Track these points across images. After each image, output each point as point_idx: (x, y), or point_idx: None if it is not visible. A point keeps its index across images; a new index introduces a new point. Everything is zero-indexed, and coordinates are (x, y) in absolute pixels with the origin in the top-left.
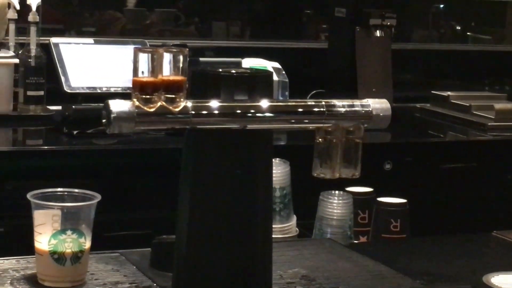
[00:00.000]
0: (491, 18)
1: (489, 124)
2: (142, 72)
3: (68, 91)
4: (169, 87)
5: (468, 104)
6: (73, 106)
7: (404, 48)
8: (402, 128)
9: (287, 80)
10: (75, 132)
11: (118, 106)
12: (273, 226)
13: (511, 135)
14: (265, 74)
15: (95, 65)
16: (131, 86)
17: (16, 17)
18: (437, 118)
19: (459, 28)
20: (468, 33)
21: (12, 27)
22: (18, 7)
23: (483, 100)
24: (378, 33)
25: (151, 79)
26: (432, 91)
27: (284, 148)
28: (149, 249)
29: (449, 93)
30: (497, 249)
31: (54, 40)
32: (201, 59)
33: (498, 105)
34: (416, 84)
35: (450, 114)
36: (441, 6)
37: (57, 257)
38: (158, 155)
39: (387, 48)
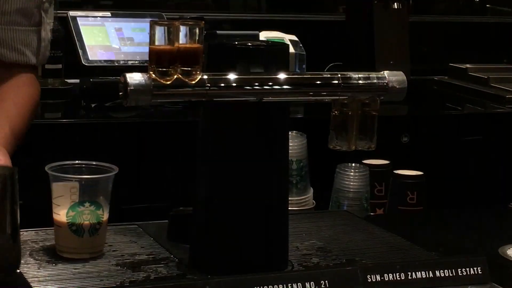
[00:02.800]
0: None
1: (507, 96)
2: None
3: (86, 64)
4: (185, 57)
5: (486, 77)
6: (91, 80)
7: (422, 20)
8: (419, 100)
9: (304, 53)
10: (93, 105)
11: (135, 79)
12: (290, 198)
13: None
14: (282, 47)
15: (112, 38)
16: (147, 59)
17: None
18: (455, 91)
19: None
20: (487, 5)
21: None
22: None
23: (501, 72)
24: (396, 5)
25: (168, 47)
26: (450, 64)
27: (301, 120)
28: (166, 221)
29: (467, 65)
30: None
31: (71, 13)
32: (218, 32)
33: None
34: (434, 56)
35: (468, 87)
36: None
37: (75, 228)
38: (174, 128)
39: (405, 20)
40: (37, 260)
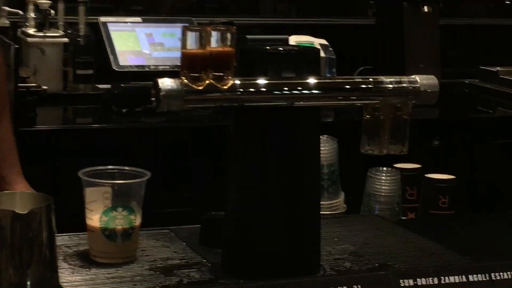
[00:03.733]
0: None
1: None
2: None
3: (117, 69)
4: (217, 62)
5: None
6: (122, 85)
7: (452, 23)
8: (450, 104)
9: (334, 57)
10: (124, 110)
11: (167, 84)
12: (321, 202)
13: None
14: (312, 51)
15: (143, 43)
16: (179, 64)
17: None
18: (486, 94)
19: (508, 2)
20: None
21: (61, 6)
22: None
23: None
24: (426, 8)
25: (200, 50)
26: (481, 67)
27: (332, 124)
28: (198, 225)
29: (498, 68)
30: None
31: (102, 19)
32: (248, 36)
33: None
34: (464, 59)
35: (499, 90)
36: None
37: (108, 233)
38: (206, 132)
39: (435, 23)
40: (70, 265)
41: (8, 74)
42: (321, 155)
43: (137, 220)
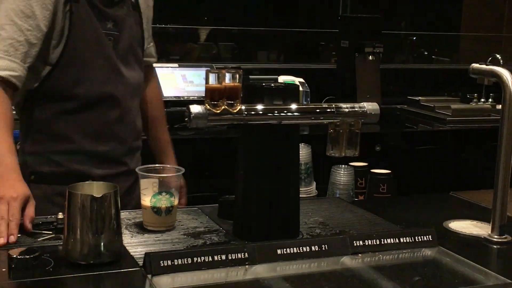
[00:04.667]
0: (448, 46)
1: (447, 119)
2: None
3: (163, 99)
4: (230, 94)
5: (432, 105)
6: (165, 109)
7: (388, 67)
8: (387, 122)
9: (308, 90)
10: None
11: (195, 108)
12: (300, 189)
13: (464, 126)
14: (293, 87)
15: (179, 81)
16: (203, 95)
17: None
18: (411, 115)
19: (427, 53)
20: (433, 56)
21: None
22: None
23: (443, 102)
24: (370, 57)
25: (217, 86)
26: (408, 97)
27: (307, 136)
28: (217, 205)
29: (419, 97)
30: (452, 205)
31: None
32: (250, 76)
33: (454, 105)
34: (397, 92)
35: (421, 112)
36: (414, 38)
37: (156, 210)
38: (222, 141)
39: (377, 67)
40: (130, 231)
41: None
42: (300, 156)
43: (175, 201)
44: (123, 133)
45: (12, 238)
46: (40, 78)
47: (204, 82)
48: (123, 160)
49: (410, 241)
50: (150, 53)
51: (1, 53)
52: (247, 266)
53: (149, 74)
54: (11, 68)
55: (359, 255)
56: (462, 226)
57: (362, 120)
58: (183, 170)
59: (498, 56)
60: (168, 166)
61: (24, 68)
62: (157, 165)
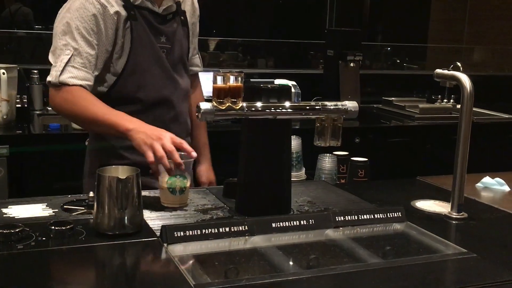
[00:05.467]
0: (417, 56)
1: (416, 116)
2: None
3: None
4: (233, 93)
5: (403, 105)
6: None
7: (367, 72)
8: (365, 118)
9: (299, 91)
10: None
11: (205, 106)
12: (292, 173)
13: (429, 122)
14: (287, 88)
15: None
16: (211, 94)
17: None
18: (385, 113)
19: (399, 61)
20: (404, 64)
21: None
22: None
23: (412, 102)
24: (352, 64)
25: (223, 85)
26: (383, 97)
27: (298, 129)
28: (222, 186)
29: (393, 98)
30: (419, 187)
31: None
32: (251, 79)
33: (421, 105)
34: (374, 93)
35: (393, 110)
36: (388, 48)
37: (171, 190)
38: (227, 133)
39: (357, 72)
40: (149, 208)
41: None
42: (291, 146)
43: (188, 183)
44: (177, 131)
45: (182, 167)
46: (108, 85)
47: (212, 83)
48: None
49: (383, 217)
50: (196, 63)
51: (80, 65)
52: (247, 237)
53: (195, 82)
54: (87, 78)
55: (340, 228)
56: (427, 205)
57: (344, 116)
58: (195, 155)
59: (458, 64)
60: (182, 153)
61: (93, 77)
62: None
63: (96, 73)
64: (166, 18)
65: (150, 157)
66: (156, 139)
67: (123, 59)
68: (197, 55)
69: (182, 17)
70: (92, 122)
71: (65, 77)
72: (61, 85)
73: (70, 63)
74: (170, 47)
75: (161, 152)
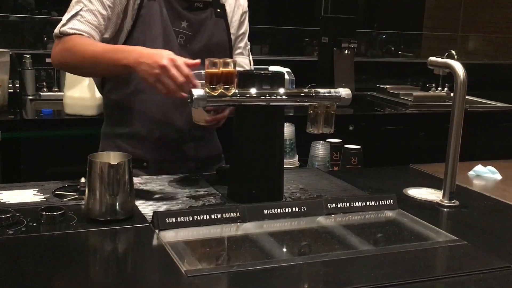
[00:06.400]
0: (412, 43)
1: (410, 104)
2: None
3: None
4: (225, 78)
5: (397, 92)
6: None
7: (361, 60)
8: (359, 106)
9: (294, 78)
10: None
11: (197, 92)
12: (285, 160)
13: (423, 110)
14: (280, 74)
15: None
16: (203, 81)
17: None
18: (380, 101)
19: (394, 49)
20: (399, 52)
21: None
22: None
23: (406, 90)
24: (346, 52)
25: (215, 70)
26: (377, 85)
27: (291, 116)
28: (215, 173)
29: (387, 86)
30: (411, 175)
31: None
32: None
33: (415, 93)
34: (368, 81)
35: (387, 99)
36: (384, 36)
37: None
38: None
39: (351, 60)
40: (140, 194)
41: None
42: (284, 133)
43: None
44: (179, 122)
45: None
46: None
47: (204, 68)
48: (180, 147)
49: (375, 204)
50: (240, 63)
51: (86, 21)
52: (238, 224)
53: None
54: (90, 33)
55: (332, 215)
56: (419, 192)
57: (337, 103)
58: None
59: (453, 52)
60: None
61: (98, 36)
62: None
63: (107, 36)
64: (194, 5)
65: (161, 90)
66: (161, 71)
67: (124, 34)
68: (247, 57)
69: (218, 10)
70: (92, 63)
71: (66, 28)
72: (62, 35)
73: (77, 17)
74: (191, 35)
75: (170, 86)
